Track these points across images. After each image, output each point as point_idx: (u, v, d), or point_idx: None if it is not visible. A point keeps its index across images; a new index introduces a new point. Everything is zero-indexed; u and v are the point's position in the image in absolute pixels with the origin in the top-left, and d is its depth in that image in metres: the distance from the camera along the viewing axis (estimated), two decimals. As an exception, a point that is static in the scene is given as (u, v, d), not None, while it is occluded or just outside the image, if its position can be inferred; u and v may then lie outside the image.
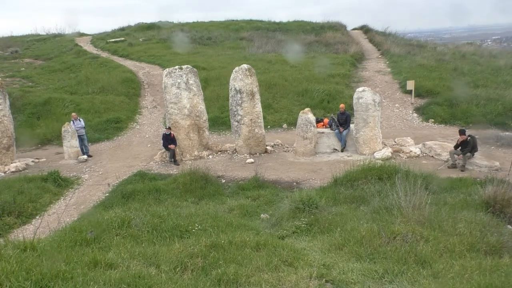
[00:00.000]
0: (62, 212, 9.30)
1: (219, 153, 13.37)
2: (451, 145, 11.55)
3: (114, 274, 4.10)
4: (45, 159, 13.75)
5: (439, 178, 9.07)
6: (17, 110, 16.47)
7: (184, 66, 13.08)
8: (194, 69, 13.39)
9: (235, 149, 13.27)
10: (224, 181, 10.95)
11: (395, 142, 12.91)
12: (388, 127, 15.13)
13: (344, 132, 12.53)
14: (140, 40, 29.77)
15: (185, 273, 4.60)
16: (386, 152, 11.77)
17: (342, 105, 12.96)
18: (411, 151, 12.01)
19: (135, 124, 17.28)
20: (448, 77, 19.08)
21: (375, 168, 9.50)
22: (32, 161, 13.43)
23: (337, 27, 32.42)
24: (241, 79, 12.66)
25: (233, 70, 12.97)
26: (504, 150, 12.06)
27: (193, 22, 36.18)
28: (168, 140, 12.54)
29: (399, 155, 11.94)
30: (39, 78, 21.81)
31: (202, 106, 13.21)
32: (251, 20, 35.22)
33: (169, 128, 12.66)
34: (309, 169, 11.38)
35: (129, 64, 24.16)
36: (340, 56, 23.74)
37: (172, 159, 12.52)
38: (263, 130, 13.19)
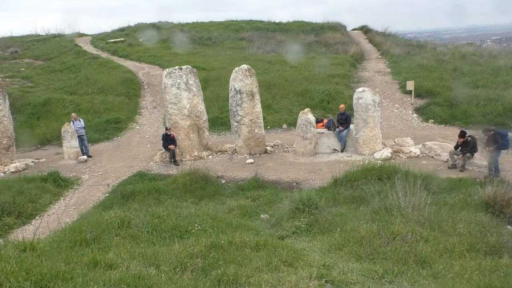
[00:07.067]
0: (61, 213, 9.29)
1: (219, 153, 13.36)
2: (451, 146, 11.56)
3: (114, 275, 4.10)
4: (45, 160, 13.75)
5: (438, 179, 9.06)
6: (17, 111, 16.47)
7: (184, 67, 13.07)
8: (194, 69, 13.38)
9: (235, 150, 13.27)
10: (224, 181, 10.95)
11: (395, 142, 12.91)
12: (388, 128, 15.13)
13: (344, 132, 12.54)
14: (140, 41, 29.76)
15: (185, 273, 4.60)
16: (386, 152, 11.77)
17: (342, 106, 12.97)
18: (411, 151, 12.02)
19: (135, 124, 17.27)
20: (448, 77, 19.08)
21: (375, 168, 9.50)
22: (32, 162, 13.42)
23: (337, 28, 32.41)
24: (241, 79, 12.66)
25: (233, 71, 12.97)
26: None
27: (193, 22, 36.23)
28: (168, 140, 12.54)
29: (399, 156, 11.94)
30: (39, 79, 21.79)
31: (202, 107, 13.21)
32: (251, 21, 35.23)
33: (169, 128, 12.67)
34: (309, 169, 11.38)
35: (129, 64, 24.15)
36: (340, 57, 23.75)
37: (172, 160, 12.52)
38: (263, 131, 13.19)
